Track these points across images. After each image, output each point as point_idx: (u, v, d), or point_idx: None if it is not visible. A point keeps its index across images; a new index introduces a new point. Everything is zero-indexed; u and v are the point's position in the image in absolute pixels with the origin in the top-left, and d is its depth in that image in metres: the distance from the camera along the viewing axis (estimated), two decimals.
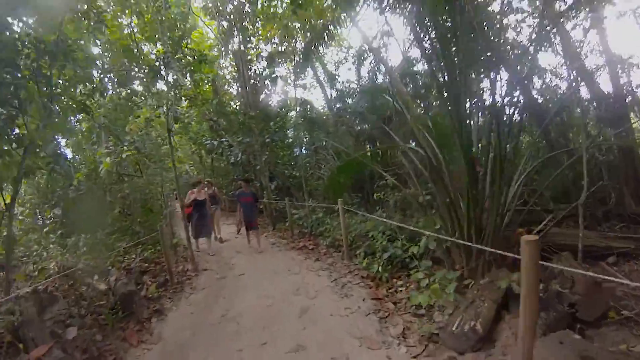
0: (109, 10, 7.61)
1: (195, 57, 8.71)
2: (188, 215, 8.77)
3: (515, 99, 5.01)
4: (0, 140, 4.88)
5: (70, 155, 12.85)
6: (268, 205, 11.62)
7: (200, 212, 8.92)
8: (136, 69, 7.24)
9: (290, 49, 13.89)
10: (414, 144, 6.47)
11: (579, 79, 7.73)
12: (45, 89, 5.37)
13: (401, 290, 4.94)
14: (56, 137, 10.94)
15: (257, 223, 8.84)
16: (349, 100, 12.48)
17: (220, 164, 18.58)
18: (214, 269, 7.34)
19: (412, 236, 5.62)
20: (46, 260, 7.97)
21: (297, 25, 13.33)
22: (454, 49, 4.64)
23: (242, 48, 13.30)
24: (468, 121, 4.94)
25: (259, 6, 12.84)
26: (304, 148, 13.70)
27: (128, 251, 8.31)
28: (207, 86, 14.12)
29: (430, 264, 4.90)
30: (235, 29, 12.82)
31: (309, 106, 14.27)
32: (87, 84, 6.80)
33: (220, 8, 12.51)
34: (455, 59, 4.63)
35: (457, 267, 4.79)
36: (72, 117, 7.75)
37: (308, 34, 12.51)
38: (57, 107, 6.32)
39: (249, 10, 12.55)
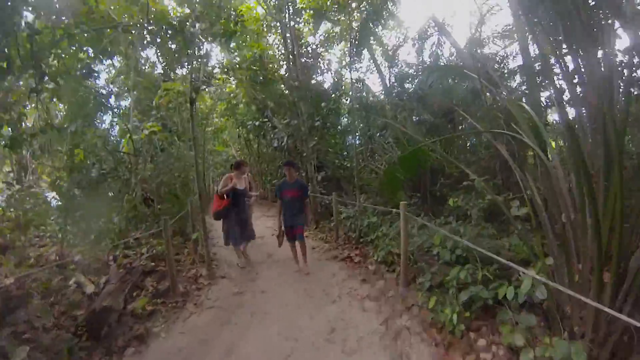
0: None
1: (232, 19, 7.11)
2: (224, 209, 6.50)
3: None
4: None
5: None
6: (312, 199, 9.98)
7: (241, 207, 6.59)
8: (149, 28, 5.78)
9: (345, 27, 12.21)
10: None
11: None
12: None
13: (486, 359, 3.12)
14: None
15: (303, 230, 6.01)
16: (409, 85, 10.64)
17: (267, 149, 17.19)
18: (233, 278, 5.85)
19: (487, 257, 3.80)
20: (54, 245, 7.05)
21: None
22: None
23: (293, 24, 11.81)
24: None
25: None
26: (357, 137, 11.97)
27: (142, 242, 7.07)
28: (255, 63, 12.66)
29: (533, 320, 3.04)
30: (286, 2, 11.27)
31: (365, 88, 12.56)
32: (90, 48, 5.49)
33: None
34: None
35: (576, 328, 2.93)
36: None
37: (365, 12, 10.70)
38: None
39: None
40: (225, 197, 6.48)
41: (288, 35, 11.58)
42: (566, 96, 3.63)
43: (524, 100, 5.41)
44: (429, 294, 4.03)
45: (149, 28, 5.92)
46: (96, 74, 6.15)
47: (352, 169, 9.97)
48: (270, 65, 13.77)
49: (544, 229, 3.27)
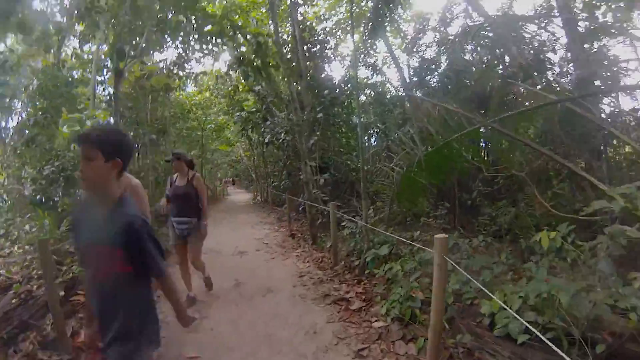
0: None
1: None
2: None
3: None
4: None
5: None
6: (309, 208, 7.87)
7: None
8: None
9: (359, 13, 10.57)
10: None
11: None
12: None
13: None
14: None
15: None
16: (432, 75, 9.08)
17: (272, 148, 15.15)
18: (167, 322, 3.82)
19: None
20: None
21: None
22: None
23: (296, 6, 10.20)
24: None
25: None
26: (372, 133, 10.23)
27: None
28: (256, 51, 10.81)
29: None
30: None
31: (380, 82, 10.99)
32: None
33: None
34: None
35: None
36: None
37: None
38: None
39: None
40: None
41: (290, 20, 10.02)
42: None
43: None
44: None
45: None
46: None
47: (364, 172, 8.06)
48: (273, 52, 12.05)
49: None
